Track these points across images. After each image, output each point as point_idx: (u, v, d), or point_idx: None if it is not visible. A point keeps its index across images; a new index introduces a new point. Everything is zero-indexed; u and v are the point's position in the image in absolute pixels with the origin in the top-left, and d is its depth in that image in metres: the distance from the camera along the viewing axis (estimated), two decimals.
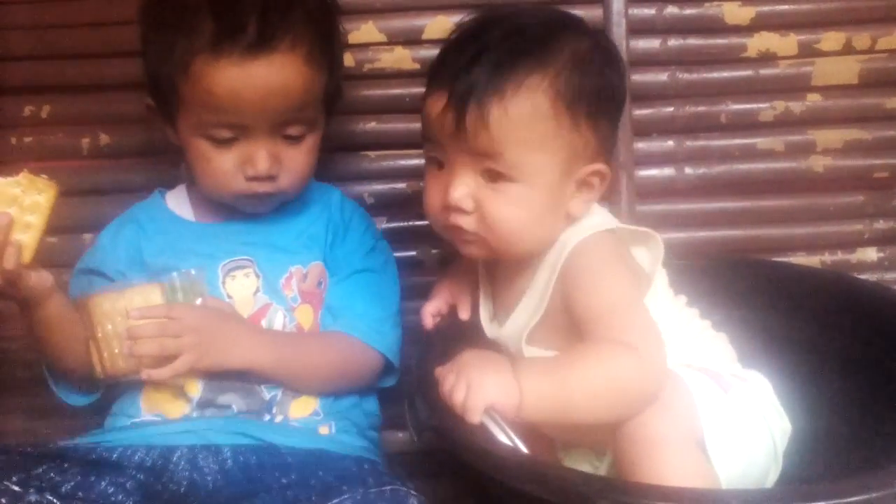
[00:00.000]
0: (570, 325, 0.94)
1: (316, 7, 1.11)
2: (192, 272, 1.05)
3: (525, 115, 0.92)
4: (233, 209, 1.14)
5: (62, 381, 1.11)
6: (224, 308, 1.07)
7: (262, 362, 1.03)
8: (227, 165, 1.07)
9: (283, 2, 1.06)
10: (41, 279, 1.00)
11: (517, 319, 1.00)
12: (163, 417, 1.04)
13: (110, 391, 1.10)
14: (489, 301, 1.07)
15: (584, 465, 1.01)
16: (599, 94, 0.96)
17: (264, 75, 1.03)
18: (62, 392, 1.11)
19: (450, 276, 1.13)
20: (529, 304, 0.99)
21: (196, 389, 1.04)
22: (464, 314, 1.08)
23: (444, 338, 1.09)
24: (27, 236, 0.97)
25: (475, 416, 0.84)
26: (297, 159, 1.10)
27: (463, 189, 0.94)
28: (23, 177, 0.98)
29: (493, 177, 0.93)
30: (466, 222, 0.95)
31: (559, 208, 0.96)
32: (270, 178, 1.08)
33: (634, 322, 0.91)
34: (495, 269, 1.05)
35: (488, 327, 1.05)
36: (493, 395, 0.85)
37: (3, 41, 1.41)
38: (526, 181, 0.93)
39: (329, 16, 1.14)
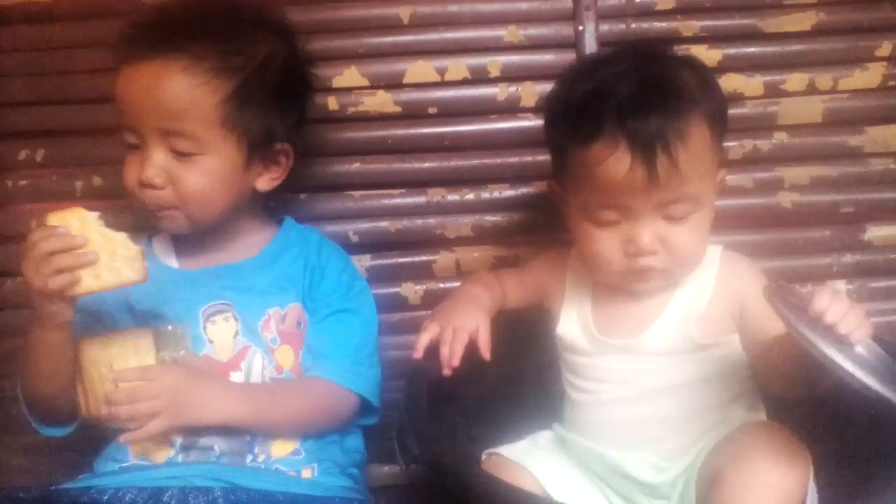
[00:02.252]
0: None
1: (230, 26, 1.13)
2: (179, 327, 1.06)
3: (699, 147, 0.98)
4: (214, 255, 1.15)
5: (39, 411, 1.10)
6: (201, 365, 1.07)
7: (238, 418, 1.04)
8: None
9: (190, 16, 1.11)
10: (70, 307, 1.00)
11: (665, 327, 1.04)
12: (149, 462, 1.04)
13: (100, 434, 1.10)
14: (593, 316, 1.09)
15: (643, 468, 1.01)
16: (722, 108, 1.04)
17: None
18: (36, 421, 1.10)
19: (477, 308, 1.08)
20: (680, 307, 1.04)
21: (178, 433, 1.04)
22: (487, 353, 1.03)
23: (430, 371, 1.08)
24: (94, 280, 0.97)
25: None
26: (186, 178, 1.07)
27: (650, 234, 0.99)
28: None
29: (678, 215, 0.99)
30: (655, 261, 1.00)
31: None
32: (154, 187, 1.07)
33: None
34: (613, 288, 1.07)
35: (594, 340, 1.07)
36: None
37: (2, 88, 1.42)
38: (702, 207, 1.00)
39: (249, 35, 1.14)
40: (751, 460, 0.90)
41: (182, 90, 1.06)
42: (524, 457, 1.04)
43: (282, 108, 1.15)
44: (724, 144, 1.14)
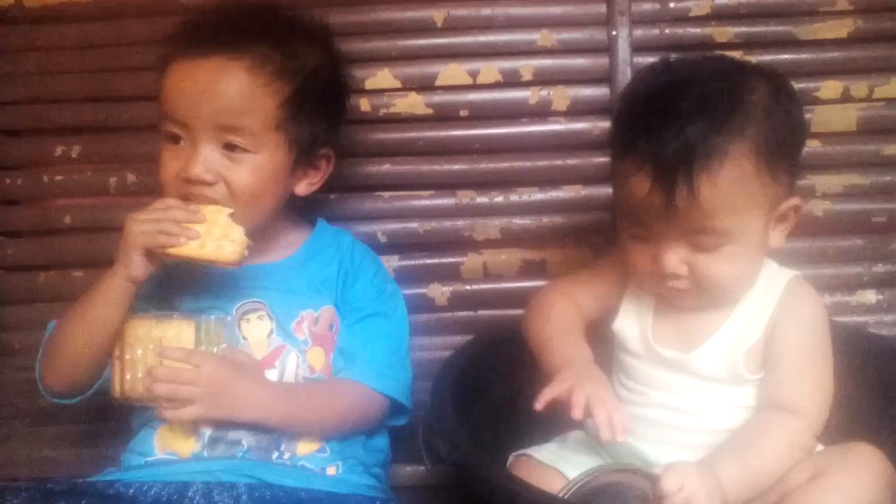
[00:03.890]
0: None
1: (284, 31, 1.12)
2: (226, 318, 1.06)
3: (733, 182, 0.90)
4: (249, 255, 1.13)
5: (57, 374, 1.07)
6: (244, 361, 1.05)
7: (270, 418, 1.02)
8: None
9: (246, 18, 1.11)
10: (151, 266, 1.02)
11: (712, 352, 0.99)
12: (175, 456, 1.03)
13: (127, 426, 1.09)
14: (653, 322, 1.04)
15: None
16: (791, 136, 0.95)
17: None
18: (46, 387, 1.08)
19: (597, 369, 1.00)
20: (731, 332, 0.99)
21: (208, 425, 1.03)
22: (578, 414, 0.91)
23: (457, 372, 1.08)
24: (198, 247, 1.00)
25: None
26: (237, 175, 1.06)
27: (675, 259, 0.94)
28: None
29: (705, 246, 0.93)
30: (681, 284, 0.95)
31: (764, 249, 0.98)
32: (204, 183, 1.05)
33: (818, 386, 0.96)
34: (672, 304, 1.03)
35: (648, 347, 1.03)
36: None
37: (38, 85, 1.43)
38: (737, 241, 0.93)
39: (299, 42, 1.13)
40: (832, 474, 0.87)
41: (246, 89, 1.05)
42: (555, 459, 1.01)
43: (328, 114, 1.15)
44: None
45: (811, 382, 0.96)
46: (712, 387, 1.00)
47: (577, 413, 0.89)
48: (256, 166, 1.07)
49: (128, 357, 1.02)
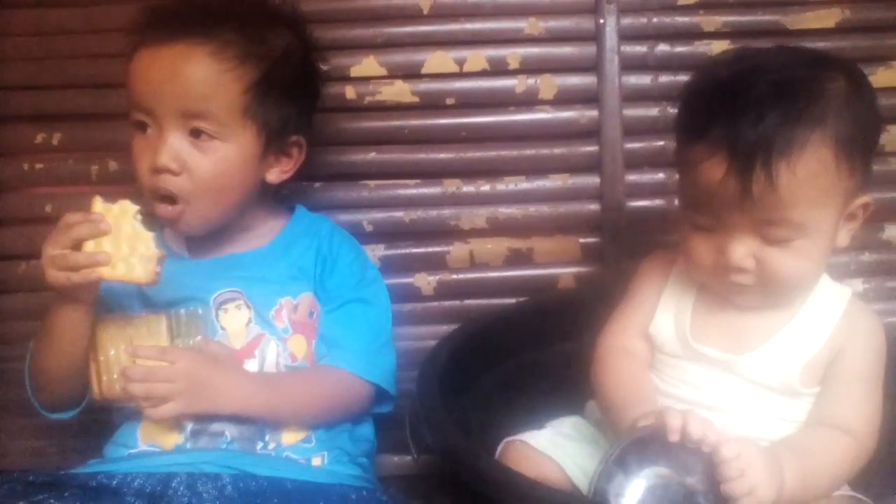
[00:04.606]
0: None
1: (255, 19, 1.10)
2: (199, 311, 1.04)
3: (812, 172, 0.86)
4: (225, 245, 1.12)
5: (45, 393, 1.08)
6: (220, 352, 1.04)
7: (251, 409, 1.01)
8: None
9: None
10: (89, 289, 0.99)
11: (766, 359, 0.95)
12: (158, 448, 1.02)
13: (108, 418, 1.08)
14: (692, 321, 1.00)
15: None
16: (867, 129, 0.92)
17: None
18: (39, 404, 1.09)
19: None
20: (788, 341, 0.95)
21: (189, 418, 1.02)
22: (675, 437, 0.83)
23: (444, 360, 1.07)
24: (108, 269, 0.96)
25: None
26: (202, 164, 1.04)
27: (743, 251, 0.90)
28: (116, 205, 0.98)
29: (777, 238, 0.89)
30: (746, 279, 0.91)
31: (832, 247, 0.93)
32: (170, 172, 1.03)
33: (871, 409, 0.94)
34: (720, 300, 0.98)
35: (687, 346, 0.99)
36: (768, 493, 0.80)
37: (17, 71, 1.41)
38: (809, 235, 0.89)
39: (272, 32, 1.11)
40: None
41: (209, 74, 1.03)
42: (551, 447, 0.99)
43: (299, 99, 1.13)
44: None
45: (869, 407, 0.94)
46: (759, 392, 0.96)
47: (672, 436, 0.82)
48: (223, 156, 1.05)
49: (102, 359, 1.01)
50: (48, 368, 1.05)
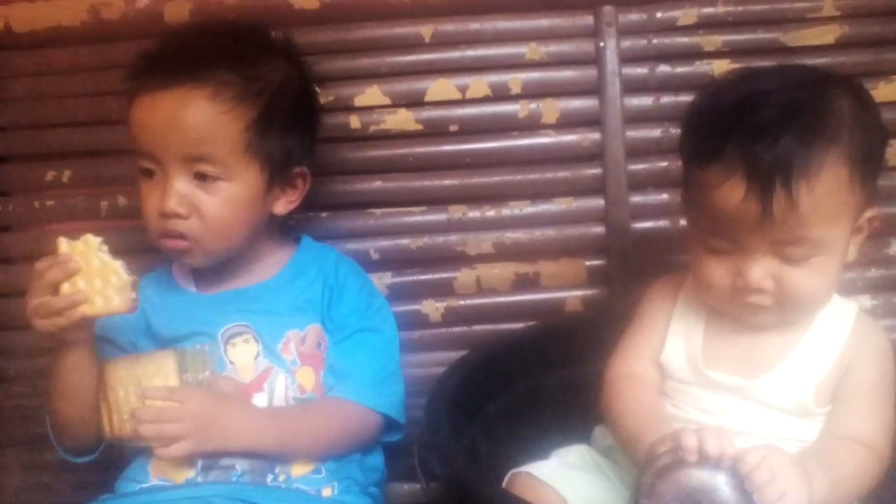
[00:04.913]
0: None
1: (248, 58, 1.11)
2: (206, 347, 1.04)
3: (830, 190, 0.87)
4: (232, 279, 1.13)
5: (64, 436, 1.08)
6: (228, 389, 1.05)
7: (262, 445, 1.01)
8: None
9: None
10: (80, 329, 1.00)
11: (778, 381, 0.95)
12: (170, 482, 1.02)
13: (121, 453, 1.08)
14: (703, 346, 0.99)
15: None
16: (875, 143, 0.93)
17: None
18: (62, 448, 1.09)
19: None
20: (800, 361, 0.95)
21: (200, 455, 1.02)
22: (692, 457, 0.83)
23: (452, 387, 1.07)
24: (87, 306, 0.97)
25: None
26: (209, 205, 1.05)
27: (761, 271, 0.90)
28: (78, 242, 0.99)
29: (795, 257, 0.89)
30: (764, 299, 0.91)
31: (844, 261, 0.94)
32: (179, 216, 1.05)
33: (884, 423, 0.93)
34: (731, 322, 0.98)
35: (698, 373, 0.98)
36: (803, 495, 0.80)
37: (24, 111, 1.42)
38: (827, 251, 0.90)
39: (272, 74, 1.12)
40: None
41: (209, 118, 1.04)
42: (555, 478, 0.98)
43: (299, 130, 1.14)
44: None
45: (882, 422, 0.93)
46: (773, 415, 0.95)
47: (689, 455, 0.81)
48: (230, 196, 1.06)
49: (111, 399, 1.01)
50: (60, 409, 1.06)
